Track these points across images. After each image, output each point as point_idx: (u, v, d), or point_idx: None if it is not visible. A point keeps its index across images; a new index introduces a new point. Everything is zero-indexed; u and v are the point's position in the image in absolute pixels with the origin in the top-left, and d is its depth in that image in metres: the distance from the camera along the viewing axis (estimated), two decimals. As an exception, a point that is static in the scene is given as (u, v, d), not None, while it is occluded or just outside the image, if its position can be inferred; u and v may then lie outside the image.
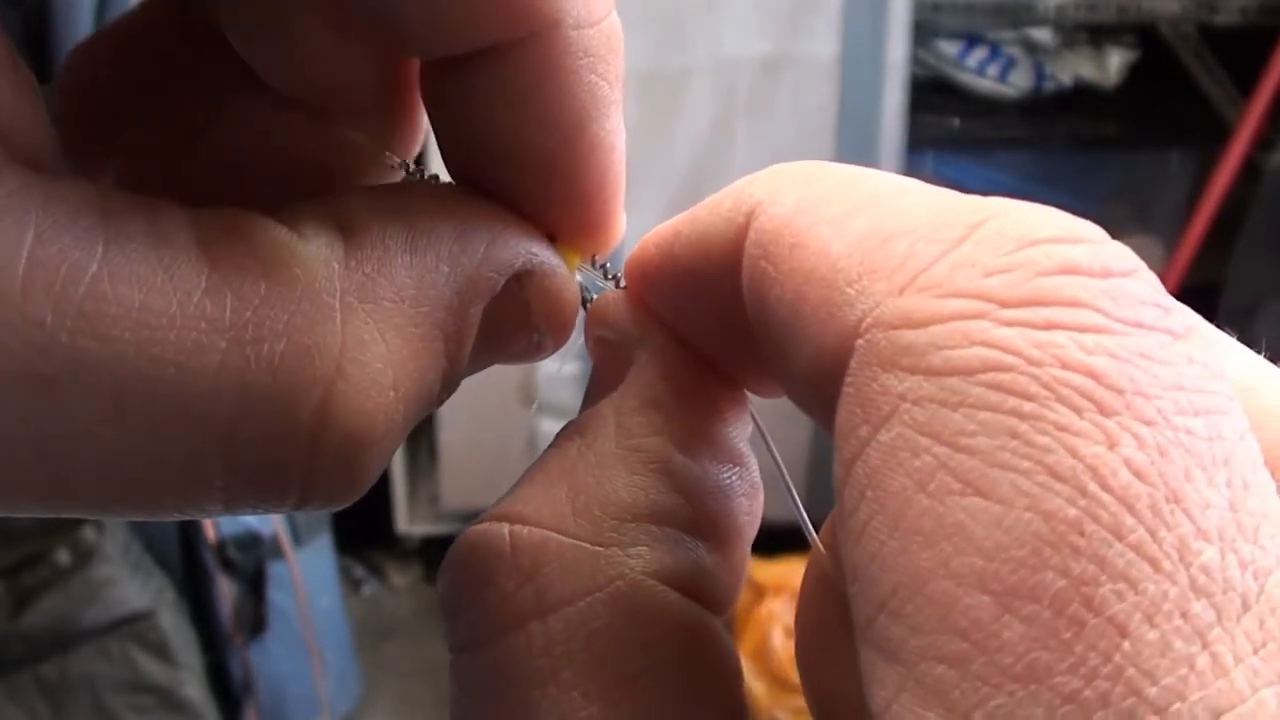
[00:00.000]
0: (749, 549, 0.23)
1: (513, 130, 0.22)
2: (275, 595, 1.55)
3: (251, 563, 1.52)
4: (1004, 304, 0.16)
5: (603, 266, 0.25)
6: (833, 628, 0.21)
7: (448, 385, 0.22)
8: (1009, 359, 0.16)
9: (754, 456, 0.24)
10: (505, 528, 0.21)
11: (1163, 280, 0.20)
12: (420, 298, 0.21)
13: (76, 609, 1.34)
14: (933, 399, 0.16)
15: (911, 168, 1.67)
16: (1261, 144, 1.63)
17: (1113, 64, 1.80)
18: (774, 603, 1.63)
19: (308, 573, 1.60)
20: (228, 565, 1.49)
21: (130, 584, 1.36)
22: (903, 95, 1.60)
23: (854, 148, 1.60)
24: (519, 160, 0.23)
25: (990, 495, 0.15)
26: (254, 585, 1.53)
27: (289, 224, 0.20)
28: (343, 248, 0.20)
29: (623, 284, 0.24)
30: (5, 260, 0.17)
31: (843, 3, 1.55)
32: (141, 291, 0.18)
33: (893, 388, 0.17)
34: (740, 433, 0.24)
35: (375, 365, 0.20)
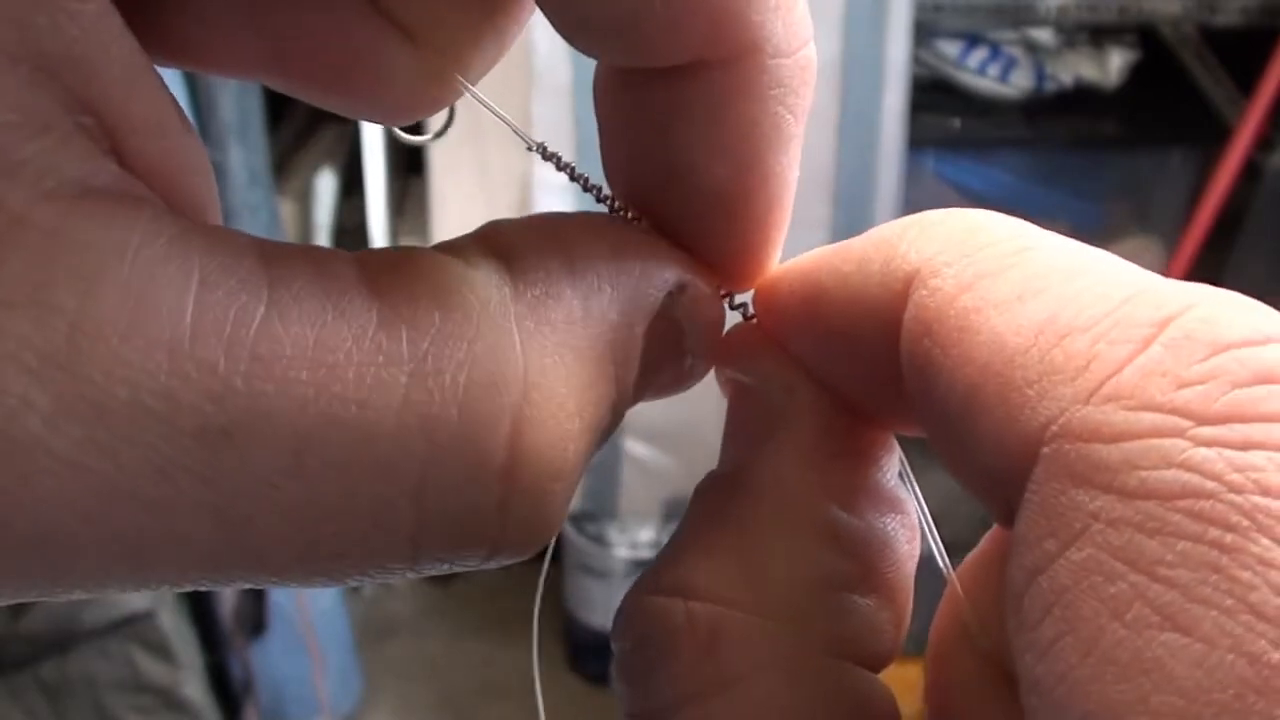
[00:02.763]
0: (911, 591, 0.23)
1: (687, 151, 0.22)
2: (275, 595, 1.55)
3: (252, 563, 1.51)
4: (1200, 420, 0.16)
5: (727, 295, 0.24)
6: (971, 681, 0.21)
7: (616, 416, 0.21)
8: (1209, 485, 0.16)
9: (908, 497, 0.24)
10: (681, 603, 0.21)
11: (1163, 281, 0.19)
12: (589, 318, 0.20)
13: (77, 609, 1.34)
14: (1128, 522, 0.16)
15: (911, 168, 1.66)
16: (1261, 144, 1.63)
17: (1113, 64, 1.80)
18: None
19: (308, 573, 1.60)
20: (228, 565, 1.49)
21: (130, 584, 1.36)
22: (903, 95, 1.60)
23: (854, 148, 1.59)
24: (686, 181, 0.22)
25: (1191, 632, 0.15)
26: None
27: (450, 253, 0.20)
28: (507, 272, 0.20)
29: (750, 314, 0.24)
30: (172, 307, 0.16)
31: (843, 3, 1.55)
32: (314, 330, 0.17)
33: (1084, 505, 0.16)
34: (893, 476, 0.23)
35: (559, 390, 0.19)
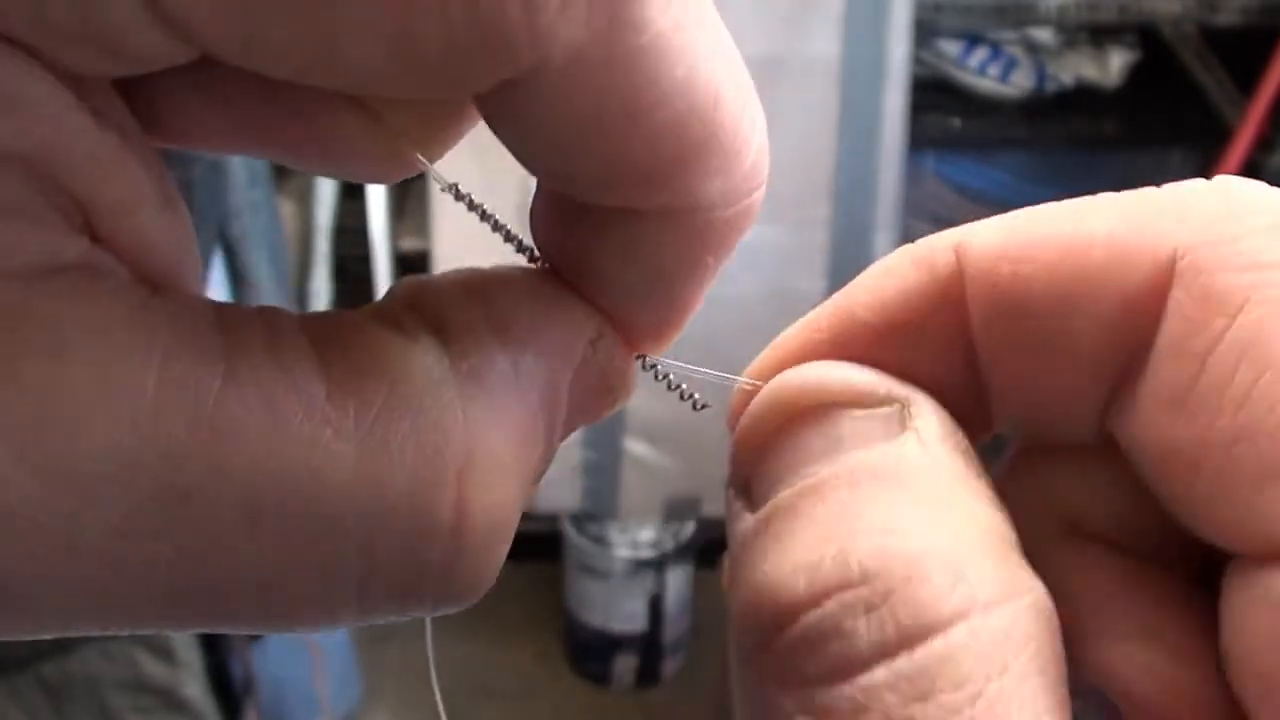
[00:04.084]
0: None
1: (605, 262, 0.22)
2: (276, 595, 1.55)
3: (252, 563, 1.51)
4: None
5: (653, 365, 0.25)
6: None
7: (545, 463, 0.22)
8: None
9: None
10: (909, 538, 0.20)
11: (1163, 280, 0.20)
12: (520, 380, 0.21)
13: (77, 609, 1.34)
14: None
15: (912, 168, 1.66)
16: (1261, 144, 1.63)
17: (1114, 64, 1.80)
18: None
19: (308, 573, 1.60)
20: (228, 565, 1.49)
21: (131, 584, 1.36)
22: (903, 95, 1.60)
23: (854, 148, 1.59)
24: (604, 281, 0.23)
25: None
26: (254, 585, 1.52)
27: (387, 324, 0.20)
28: (442, 342, 0.20)
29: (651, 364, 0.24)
30: (137, 380, 0.17)
31: (843, 3, 1.55)
32: (267, 401, 0.18)
33: (1237, 283, 0.19)
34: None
35: (499, 452, 0.20)
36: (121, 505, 0.17)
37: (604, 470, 1.78)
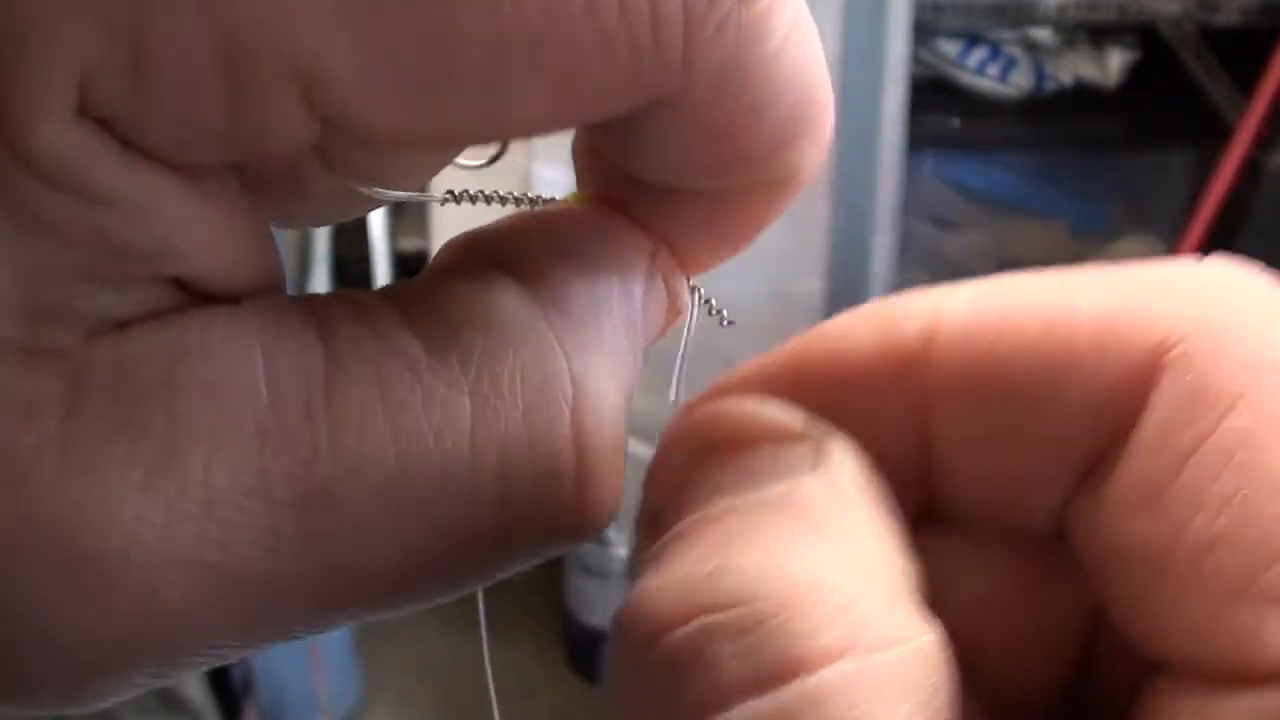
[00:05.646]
0: None
1: (671, 226, 0.22)
2: (275, 595, 1.55)
3: (251, 562, 1.51)
4: None
5: (707, 302, 0.25)
6: None
7: (636, 380, 0.22)
8: None
9: None
10: (795, 566, 0.19)
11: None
12: (600, 300, 0.21)
13: (76, 609, 1.34)
14: None
15: (911, 168, 1.66)
16: (1261, 144, 1.63)
17: (1113, 64, 1.80)
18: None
19: (308, 572, 1.60)
20: (228, 565, 1.49)
21: (130, 584, 1.36)
22: (902, 95, 1.60)
23: (854, 148, 1.59)
24: (662, 223, 0.23)
25: None
26: (254, 585, 1.52)
27: (463, 277, 0.20)
28: (519, 281, 0.20)
29: (719, 310, 0.25)
30: (248, 388, 0.17)
31: (842, 2, 1.55)
32: (373, 371, 0.18)
33: (1230, 382, 0.18)
34: None
35: (601, 371, 0.20)
36: (266, 520, 0.17)
37: (603, 470, 1.78)
